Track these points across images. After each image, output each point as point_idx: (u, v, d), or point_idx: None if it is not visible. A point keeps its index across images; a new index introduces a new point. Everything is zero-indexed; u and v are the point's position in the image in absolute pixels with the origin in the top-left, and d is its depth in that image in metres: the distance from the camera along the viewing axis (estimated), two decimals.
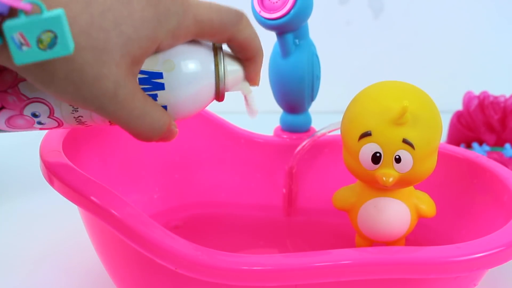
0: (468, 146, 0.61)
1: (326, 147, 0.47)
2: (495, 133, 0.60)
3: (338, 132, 0.39)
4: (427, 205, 0.38)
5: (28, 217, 0.53)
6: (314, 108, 0.49)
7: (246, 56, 0.32)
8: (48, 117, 0.30)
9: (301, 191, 0.49)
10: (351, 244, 0.41)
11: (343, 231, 0.43)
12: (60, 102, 0.30)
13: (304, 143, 0.47)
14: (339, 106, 0.43)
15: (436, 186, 0.42)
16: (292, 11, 0.43)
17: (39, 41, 0.24)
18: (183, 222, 0.48)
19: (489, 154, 0.57)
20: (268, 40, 0.49)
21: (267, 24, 0.44)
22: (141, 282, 0.35)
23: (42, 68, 0.25)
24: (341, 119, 0.37)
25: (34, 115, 0.30)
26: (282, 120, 0.49)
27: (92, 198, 0.32)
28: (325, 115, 0.42)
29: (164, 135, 0.30)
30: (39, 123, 0.31)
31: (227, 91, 0.32)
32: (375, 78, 0.39)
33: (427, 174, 0.35)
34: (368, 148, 0.34)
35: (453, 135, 0.62)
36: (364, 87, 0.37)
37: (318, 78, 0.47)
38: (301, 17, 0.44)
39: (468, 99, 0.61)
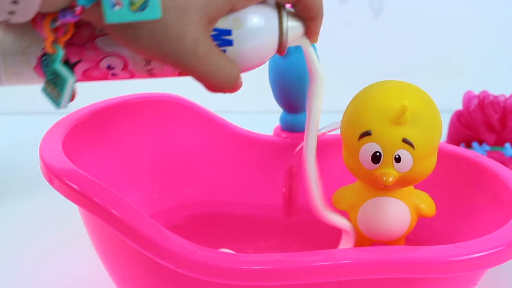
0: (468, 145, 0.61)
1: (326, 147, 0.47)
2: (495, 132, 0.60)
3: (338, 132, 0.39)
4: (427, 205, 0.38)
5: (28, 217, 0.53)
6: None
7: (309, 16, 0.34)
8: (122, 69, 0.32)
9: (301, 191, 0.49)
10: None
11: (341, 230, 0.43)
12: (134, 56, 0.32)
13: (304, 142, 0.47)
14: (339, 106, 0.43)
15: (436, 185, 0.42)
16: None
17: (131, 2, 0.26)
18: (182, 221, 0.48)
19: (489, 154, 0.57)
20: None
21: None
22: (141, 282, 0.35)
23: (128, 26, 0.28)
24: (341, 119, 0.37)
25: (109, 67, 0.32)
26: (282, 120, 0.49)
27: (92, 198, 0.32)
28: (325, 114, 0.42)
29: (234, 87, 0.32)
30: (113, 74, 0.33)
31: (288, 45, 0.34)
32: (375, 78, 0.39)
33: (427, 173, 0.35)
34: (368, 148, 0.34)
35: (453, 135, 0.62)
36: (364, 87, 0.37)
37: None
38: None
39: (468, 98, 0.61)
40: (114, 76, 0.33)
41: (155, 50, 0.29)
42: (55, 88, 0.30)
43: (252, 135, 0.50)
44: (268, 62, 0.48)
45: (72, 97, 0.30)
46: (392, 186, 0.35)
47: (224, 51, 0.32)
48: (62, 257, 0.46)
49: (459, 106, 0.62)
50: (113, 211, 0.31)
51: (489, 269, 0.33)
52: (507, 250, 0.31)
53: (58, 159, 0.36)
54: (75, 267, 0.45)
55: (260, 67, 0.53)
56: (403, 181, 0.35)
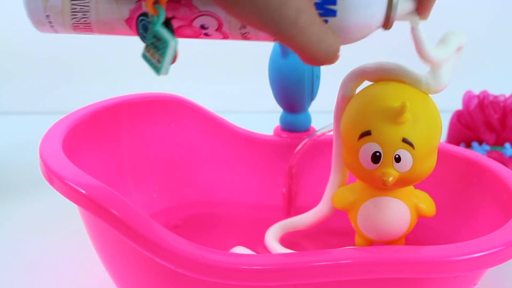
0: (468, 145, 0.61)
1: (326, 147, 0.47)
2: (495, 132, 0.60)
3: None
4: (427, 205, 0.38)
5: (28, 217, 0.53)
6: (314, 108, 0.49)
7: None
8: (216, 30, 0.31)
9: (301, 191, 0.49)
10: (350, 243, 0.41)
11: (342, 231, 0.43)
12: (230, 18, 0.30)
13: (304, 142, 0.47)
14: None
15: (436, 185, 0.42)
16: None
17: None
18: (183, 221, 0.48)
19: (489, 154, 0.57)
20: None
21: None
22: (141, 282, 0.36)
23: None
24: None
25: (203, 27, 0.31)
26: (282, 120, 0.49)
27: (92, 198, 0.32)
28: (325, 114, 0.42)
29: (332, 60, 0.30)
30: (206, 34, 0.31)
31: (396, 20, 0.32)
32: None
33: (427, 173, 0.35)
34: (368, 148, 0.34)
35: (452, 135, 0.62)
36: (364, 87, 0.37)
37: (318, 77, 0.47)
38: None
39: (468, 98, 0.61)
40: (207, 36, 0.32)
41: (255, 18, 0.27)
42: (156, 52, 0.29)
43: (252, 135, 0.50)
44: (268, 62, 0.48)
45: (173, 60, 0.29)
46: (392, 186, 0.35)
47: (326, 21, 0.30)
48: (62, 257, 0.46)
49: (459, 106, 0.63)
50: (113, 211, 0.31)
51: (489, 269, 0.33)
52: (507, 250, 0.31)
53: (58, 159, 0.36)
54: (75, 267, 0.45)
55: (260, 67, 0.53)
56: (403, 181, 0.35)
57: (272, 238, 0.43)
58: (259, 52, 0.56)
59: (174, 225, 0.47)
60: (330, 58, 0.30)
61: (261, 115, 0.66)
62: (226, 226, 0.48)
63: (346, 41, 0.31)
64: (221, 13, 0.30)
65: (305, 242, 0.46)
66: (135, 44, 0.33)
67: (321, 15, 0.29)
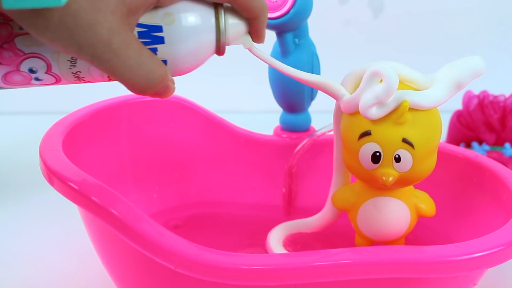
0: (468, 145, 0.61)
1: (326, 147, 0.47)
2: (495, 132, 0.60)
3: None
4: (427, 205, 0.38)
5: (28, 217, 0.53)
6: (313, 108, 0.49)
7: (249, 16, 0.32)
8: (46, 72, 0.30)
9: (300, 191, 0.49)
10: (351, 243, 0.41)
11: (343, 231, 0.43)
12: (57, 57, 0.29)
13: (303, 142, 0.47)
14: None
15: (436, 185, 0.42)
16: (291, 11, 0.43)
17: None
18: (182, 221, 0.48)
19: (488, 154, 0.57)
20: (268, 40, 0.49)
21: (267, 24, 0.44)
22: (141, 282, 0.36)
23: (38, 14, 0.26)
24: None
25: (31, 70, 0.30)
26: (282, 120, 0.49)
27: (92, 197, 0.32)
28: (324, 114, 0.42)
29: (159, 90, 0.29)
30: (37, 79, 0.30)
31: (228, 44, 0.32)
32: None
33: (426, 173, 0.35)
34: (368, 148, 0.34)
35: (452, 135, 0.62)
36: None
37: None
38: (300, 17, 0.44)
39: (468, 98, 0.61)
40: (39, 81, 0.30)
41: (67, 40, 0.26)
42: None
43: (252, 135, 0.50)
44: None
45: None
46: (392, 186, 0.35)
47: (156, 49, 0.29)
48: (62, 257, 0.46)
49: (459, 106, 0.63)
50: (113, 211, 0.31)
51: (489, 269, 0.33)
52: (507, 250, 0.31)
53: (58, 159, 0.36)
54: (74, 267, 0.45)
55: (260, 67, 0.53)
56: (403, 181, 0.35)
57: (274, 239, 0.43)
58: None
59: (174, 225, 0.47)
60: (153, 86, 0.29)
61: (261, 115, 0.66)
62: (226, 226, 0.48)
63: (181, 70, 0.31)
64: (47, 53, 0.29)
65: (304, 241, 0.46)
66: None
67: (149, 43, 0.29)
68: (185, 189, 0.50)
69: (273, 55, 0.47)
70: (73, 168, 0.35)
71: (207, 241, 0.35)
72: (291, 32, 0.45)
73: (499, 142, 0.60)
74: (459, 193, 0.43)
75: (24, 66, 0.29)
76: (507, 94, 0.60)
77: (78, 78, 0.31)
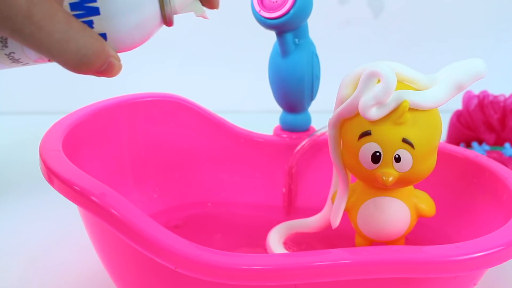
0: (468, 145, 0.61)
1: (325, 146, 0.47)
2: (495, 132, 0.60)
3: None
4: (427, 205, 0.38)
5: (28, 217, 0.53)
6: (313, 108, 0.49)
7: None
8: None
9: (300, 191, 0.49)
10: (351, 243, 0.41)
11: (343, 231, 0.43)
12: None
13: (303, 142, 0.47)
14: None
15: (436, 185, 0.42)
16: (291, 11, 0.43)
17: None
18: (183, 221, 0.48)
19: (488, 154, 0.57)
20: (268, 40, 0.49)
21: (267, 24, 0.44)
22: (141, 282, 0.36)
23: None
24: None
25: None
26: (282, 120, 0.49)
27: (92, 197, 0.32)
28: (324, 114, 0.42)
29: (99, 67, 0.27)
30: None
31: (175, 13, 0.29)
32: None
33: (426, 173, 0.35)
34: (368, 148, 0.34)
35: (452, 135, 0.62)
36: None
37: (318, 77, 0.47)
38: (300, 17, 0.44)
39: (468, 98, 0.61)
40: None
41: None
42: None
43: (252, 135, 0.50)
44: (268, 62, 0.48)
45: None
46: (392, 186, 0.35)
47: (91, 22, 0.26)
48: (62, 257, 0.46)
49: (459, 106, 0.63)
50: (113, 211, 0.31)
51: (489, 269, 0.33)
52: (507, 250, 0.31)
53: (58, 159, 0.36)
54: (74, 267, 0.45)
55: (260, 67, 0.53)
56: (403, 181, 0.35)
57: (274, 239, 0.43)
58: (259, 52, 0.56)
59: (174, 225, 0.47)
60: (90, 62, 0.26)
61: (261, 115, 0.66)
62: (226, 226, 0.48)
63: (124, 44, 0.28)
64: None
65: (304, 241, 0.46)
66: None
67: (83, 15, 0.26)
68: (185, 189, 0.50)
69: (273, 55, 0.47)
70: (73, 168, 0.35)
71: (207, 241, 0.35)
72: (291, 32, 0.45)
73: (499, 142, 0.60)
74: (459, 193, 0.43)
75: None
76: (507, 94, 0.60)
77: (14, 60, 0.28)
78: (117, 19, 0.27)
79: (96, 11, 0.26)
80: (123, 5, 0.27)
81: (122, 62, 0.28)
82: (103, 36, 0.27)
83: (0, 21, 0.24)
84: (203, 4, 0.30)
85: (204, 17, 0.30)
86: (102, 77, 0.28)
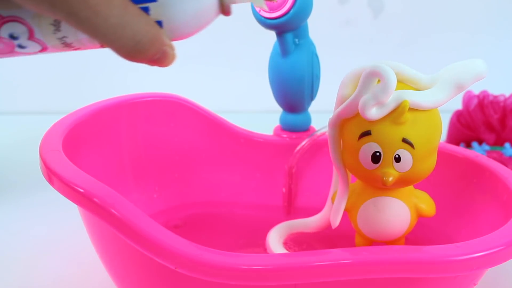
0: (468, 145, 0.61)
1: (325, 146, 0.47)
2: (495, 132, 0.60)
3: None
4: (427, 205, 0.38)
5: (28, 217, 0.53)
6: (313, 108, 0.49)
7: None
8: (29, 39, 0.27)
9: (300, 191, 0.49)
10: (351, 243, 0.41)
11: (343, 231, 0.43)
12: (38, 21, 0.27)
13: (303, 142, 0.47)
14: None
15: (436, 185, 0.42)
16: (291, 11, 0.43)
17: None
18: (183, 221, 0.48)
19: (488, 154, 0.57)
20: (268, 40, 0.49)
21: (267, 24, 0.44)
22: (141, 282, 0.36)
23: None
24: None
25: (13, 36, 0.27)
26: (282, 120, 0.49)
27: (92, 198, 0.32)
28: (324, 114, 0.42)
29: (153, 55, 0.26)
30: (20, 46, 0.28)
31: (234, 3, 0.28)
32: None
33: (426, 173, 0.35)
34: (368, 147, 0.34)
35: (452, 135, 0.62)
36: None
37: (318, 77, 0.47)
38: (300, 17, 0.44)
39: (468, 98, 0.61)
40: (23, 48, 0.27)
41: None
42: None
43: (252, 135, 0.50)
44: (268, 62, 0.48)
45: None
46: (392, 186, 0.35)
47: (147, 8, 0.26)
48: (62, 257, 0.46)
49: (459, 106, 0.63)
50: (113, 211, 0.31)
51: (489, 269, 0.33)
52: (507, 250, 0.31)
53: (58, 159, 0.36)
54: (75, 267, 0.45)
55: (260, 67, 0.53)
56: (403, 181, 0.35)
57: (274, 239, 0.43)
58: (259, 52, 0.56)
59: (174, 225, 0.47)
60: (144, 49, 0.25)
61: (261, 115, 0.66)
62: (226, 226, 0.48)
63: (179, 33, 0.27)
64: (27, 17, 0.26)
65: (304, 241, 0.46)
66: None
67: (139, 1, 0.25)
68: (185, 189, 0.50)
69: (273, 55, 0.47)
70: (73, 168, 0.35)
71: (207, 241, 0.35)
72: (291, 32, 0.45)
73: (499, 142, 0.60)
74: (459, 193, 0.43)
75: (4, 32, 0.27)
76: (507, 94, 0.60)
77: (66, 44, 0.28)
78: (174, 6, 0.26)
79: None
80: None
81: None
82: (159, 23, 0.26)
83: (57, 4, 0.24)
84: None
85: (263, 9, 0.29)
86: (155, 66, 0.27)
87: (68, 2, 0.23)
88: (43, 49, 0.28)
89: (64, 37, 0.27)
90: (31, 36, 0.27)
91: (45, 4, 0.24)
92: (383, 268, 0.31)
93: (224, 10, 0.28)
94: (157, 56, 0.26)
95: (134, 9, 0.25)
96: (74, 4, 0.23)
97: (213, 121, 0.50)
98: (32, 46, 0.28)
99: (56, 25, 0.27)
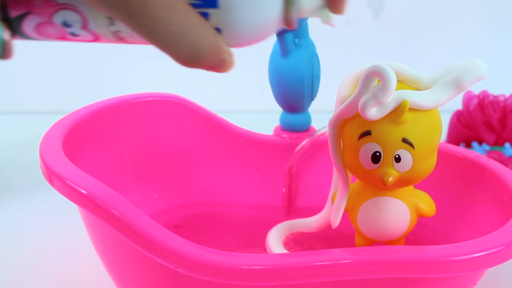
0: (468, 145, 0.61)
1: (325, 146, 0.47)
2: (495, 132, 0.60)
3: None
4: (427, 205, 0.38)
5: (28, 217, 0.53)
6: (313, 108, 0.49)
7: None
8: (82, 28, 0.27)
9: (300, 191, 0.49)
10: (351, 243, 0.41)
11: (343, 231, 0.43)
12: (93, 12, 0.26)
13: (304, 142, 0.47)
14: None
15: (436, 185, 0.42)
16: None
17: None
18: (183, 221, 0.48)
19: (488, 154, 0.57)
20: (268, 40, 0.49)
21: None
22: (141, 282, 0.36)
23: None
24: None
25: (66, 24, 0.26)
26: (282, 120, 0.49)
27: (92, 198, 0.32)
28: (324, 114, 0.42)
29: (211, 62, 0.25)
30: (73, 34, 0.27)
31: (300, 16, 0.26)
32: None
33: (427, 173, 0.35)
34: (368, 147, 0.34)
35: (452, 135, 0.62)
36: None
37: (318, 77, 0.47)
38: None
39: (468, 98, 0.61)
40: (75, 36, 0.27)
41: None
42: None
43: (252, 135, 0.50)
44: (268, 61, 0.48)
45: (5, 54, 0.26)
46: (392, 186, 0.35)
47: (207, 14, 0.24)
48: (62, 257, 0.46)
49: (459, 106, 0.63)
50: (113, 211, 0.31)
51: (489, 269, 0.33)
52: (507, 250, 0.31)
53: (58, 159, 0.36)
54: (75, 267, 0.45)
55: (260, 67, 0.53)
56: (403, 181, 0.35)
57: (274, 239, 0.43)
58: (259, 52, 0.56)
59: (174, 225, 0.47)
60: (203, 58, 0.24)
61: (261, 115, 0.66)
62: (226, 226, 0.48)
63: (238, 41, 0.26)
64: (82, 6, 0.26)
65: (304, 241, 0.46)
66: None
67: (198, 6, 0.24)
68: (185, 189, 0.50)
69: (273, 55, 0.47)
70: (73, 168, 0.35)
71: (207, 241, 0.35)
72: (291, 32, 0.45)
73: (499, 142, 0.60)
74: (459, 193, 0.43)
75: (58, 18, 0.26)
76: (507, 94, 0.60)
77: (119, 38, 0.27)
78: (235, 14, 0.25)
79: (214, 3, 0.24)
80: (244, 0, 0.24)
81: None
82: (218, 30, 0.25)
83: (115, 6, 0.23)
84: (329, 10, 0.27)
85: (331, 25, 0.27)
86: (212, 72, 0.26)
87: (126, 6, 0.23)
88: (96, 39, 0.27)
89: (118, 31, 0.26)
90: (84, 26, 0.26)
91: (103, 3, 0.23)
92: (383, 268, 0.31)
93: (288, 22, 0.26)
94: (216, 64, 0.25)
95: (195, 16, 0.24)
96: (133, 9, 0.23)
97: (213, 121, 0.50)
98: (85, 35, 0.27)
99: (111, 19, 0.26)
